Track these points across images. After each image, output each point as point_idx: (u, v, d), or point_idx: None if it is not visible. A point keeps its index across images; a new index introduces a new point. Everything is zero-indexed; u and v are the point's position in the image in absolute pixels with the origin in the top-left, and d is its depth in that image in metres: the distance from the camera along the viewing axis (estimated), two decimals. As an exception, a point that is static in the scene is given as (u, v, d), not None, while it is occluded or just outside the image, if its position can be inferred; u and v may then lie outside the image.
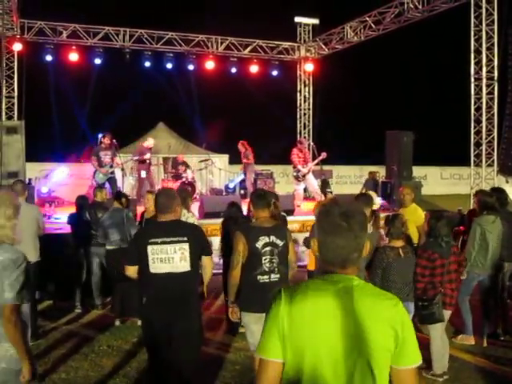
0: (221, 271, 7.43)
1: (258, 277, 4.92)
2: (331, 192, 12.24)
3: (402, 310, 2.17)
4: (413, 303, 5.73)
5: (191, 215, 7.33)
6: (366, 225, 2.25)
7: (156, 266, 4.49)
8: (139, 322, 7.23)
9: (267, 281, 4.94)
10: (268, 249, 4.93)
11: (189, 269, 4.54)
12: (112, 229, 7.85)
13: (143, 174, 14.76)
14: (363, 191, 12.42)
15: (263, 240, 4.92)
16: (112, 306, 8.11)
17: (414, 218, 7.56)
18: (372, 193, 7.60)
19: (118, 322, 7.69)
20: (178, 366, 4.56)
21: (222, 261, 7.41)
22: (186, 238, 4.55)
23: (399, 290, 5.55)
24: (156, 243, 4.49)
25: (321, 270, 2.24)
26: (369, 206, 5.94)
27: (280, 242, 4.99)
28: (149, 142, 15.26)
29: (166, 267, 4.49)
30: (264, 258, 4.90)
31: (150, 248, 4.49)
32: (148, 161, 15.01)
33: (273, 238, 4.96)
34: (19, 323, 3.41)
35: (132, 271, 4.64)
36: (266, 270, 4.93)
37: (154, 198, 4.87)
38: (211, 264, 4.87)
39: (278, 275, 4.98)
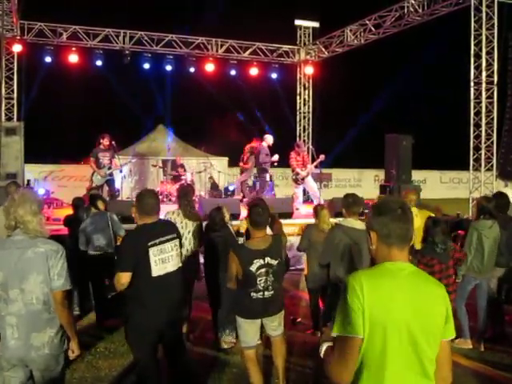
0: None
1: (252, 293, 4.90)
2: None
3: (447, 295, 2.56)
4: None
5: (198, 216, 7.30)
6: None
7: (159, 269, 4.51)
8: None
9: (260, 297, 4.91)
10: (263, 270, 4.86)
11: (181, 264, 4.77)
12: (96, 234, 7.61)
13: (268, 177, 14.13)
14: None
15: (257, 263, 4.83)
16: (96, 314, 7.90)
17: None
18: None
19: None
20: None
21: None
22: (175, 235, 4.73)
23: None
24: (155, 244, 4.50)
25: (379, 258, 2.59)
26: (358, 206, 5.84)
27: (275, 262, 4.92)
28: (269, 139, 14.05)
29: (166, 267, 4.57)
30: (259, 279, 4.86)
31: (151, 251, 4.48)
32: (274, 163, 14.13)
33: (268, 259, 4.87)
34: (70, 306, 3.86)
35: (126, 278, 4.41)
36: (261, 288, 4.90)
37: (137, 199, 4.73)
38: None
39: (271, 292, 4.96)
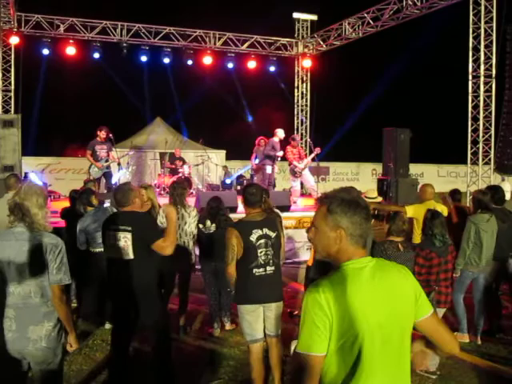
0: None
1: (254, 270, 4.95)
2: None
3: (411, 274, 2.50)
4: None
5: (193, 208, 7.32)
6: None
7: (110, 251, 4.95)
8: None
9: (263, 273, 4.97)
10: (262, 241, 4.95)
11: (131, 257, 4.83)
12: (101, 231, 7.38)
13: (269, 169, 13.96)
14: None
15: (257, 233, 4.93)
16: (101, 309, 7.57)
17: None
18: (373, 189, 7.59)
19: (108, 325, 7.22)
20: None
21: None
22: (129, 228, 4.81)
23: None
24: (110, 229, 4.92)
25: (343, 258, 2.43)
26: None
27: (272, 234, 5.02)
28: (279, 133, 14.00)
29: (114, 252, 4.90)
30: (260, 250, 4.92)
31: (107, 233, 4.97)
32: (277, 157, 13.99)
33: (266, 230, 4.98)
34: (67, 301, 3.86)
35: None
36: (262, 262, 4.95)
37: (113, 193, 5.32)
38: (163, 246, 4.77)
39: (273, 267, 5.02)
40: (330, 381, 2.34)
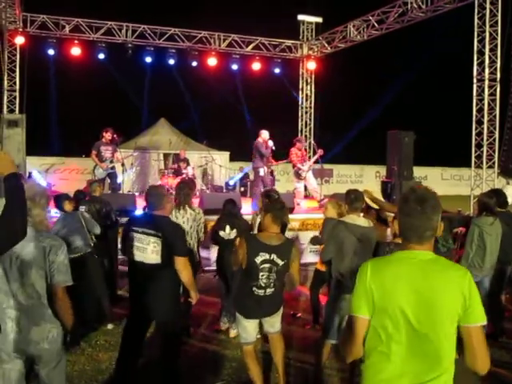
0: (213, 268, 7.42)
1: (254, 288, 4.93)
2: None
3: (469, 279, 2.61)
4: None
5: (198, 210, 7.31)
6: (439, 207, 2.72)
7: (137, 255, 4.92)
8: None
9: (262, 294, 4.95)
10: (267, 265, 4.87)
11: (159, 261, 4.85)
12: (72, 236, 6.86)
13: (261, 171, 13.67)
14: None
15: (263, 256, 4.84)
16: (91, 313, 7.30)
17: None
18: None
19: (110, 326, 7.26)
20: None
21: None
22: (160, 234, 4.82)
23: None
24: (137, 231, 4.91)
25: (402, 246, 2.75)
26: (360, 202, 5.76)
27: (281, 262, 4.90)
28: (264, 135, 13.66)
29: (140, 256, 4.90)
30: (261, 273, 4.86)
31: (132, 235, 4.97)
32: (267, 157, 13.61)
33: (274, 256, 4.86)
34: (69, 301, 3.82)
35: None
36: (262, 285, 4.91)
37: (144, 195, 5.27)
38: (184, 266, 4.93)
39: (273, 289, 4.98)
40: (367, 349, 2.69)
